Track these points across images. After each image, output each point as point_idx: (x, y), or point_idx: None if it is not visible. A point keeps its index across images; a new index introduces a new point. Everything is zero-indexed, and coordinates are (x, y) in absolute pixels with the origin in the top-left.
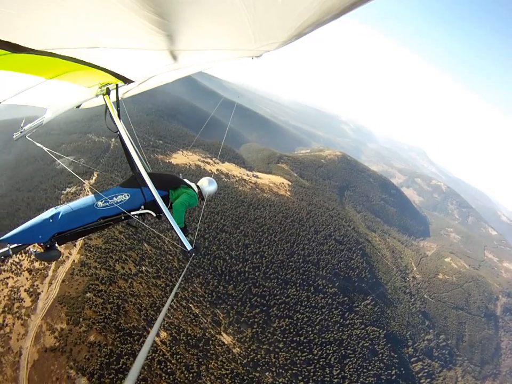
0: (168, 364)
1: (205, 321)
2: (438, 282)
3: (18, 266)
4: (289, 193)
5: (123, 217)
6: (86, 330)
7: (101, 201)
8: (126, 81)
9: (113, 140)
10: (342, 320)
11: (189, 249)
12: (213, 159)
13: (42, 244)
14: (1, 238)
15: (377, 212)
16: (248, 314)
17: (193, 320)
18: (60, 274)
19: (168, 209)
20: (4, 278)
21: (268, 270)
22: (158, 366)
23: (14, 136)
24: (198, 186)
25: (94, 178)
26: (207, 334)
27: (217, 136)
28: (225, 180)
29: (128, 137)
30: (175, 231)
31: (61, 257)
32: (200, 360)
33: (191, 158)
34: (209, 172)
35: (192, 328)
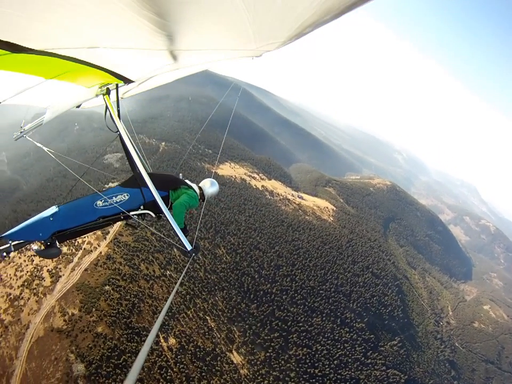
0: (169, 370)
1: (219, 336)
2: (472, 331)
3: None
4: (332, 219)
5: (122, 217)
6: (95, 321)
7: (101, 200)
8: (126, 81)
9: (163, 143)
10: (363, 358)
11: (188, 249)
12: (260, 174)
13: (43, 242)
14: (3, 235)
15: (420, 248)
16: (266, 337)
17: (207, 333)
18: (84, 263)
19: (168, 209)
20: (31, 255)
21: (296, 294)
22: (158, 371)
23: (14, 137)
24: (200, 188)
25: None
26: (217, 349)
27: (268, 152)
28: (269, 197)
29: (128, 137)
30: (175, 231)
31: (74, 250)
32: (203, 374)
33: (237, 170)
34: (254, 186)
35: (203, 341)
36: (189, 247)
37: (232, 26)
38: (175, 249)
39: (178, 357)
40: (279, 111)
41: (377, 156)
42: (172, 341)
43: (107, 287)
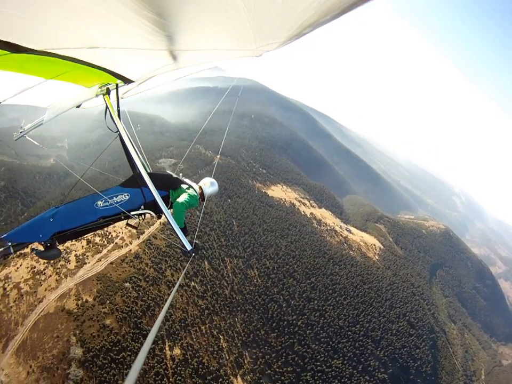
0: (164, 379)
1: (227, 357)
2: None
3: None
4: (377, 257)
5: (123, 217)
6: (106, 313)
7: (101, 201)
8: (126, 81)
9: (218, 156)
10: None
11: (188, 249)
12: (310, 201)
13: (43, 243)
14: (3, 236)
15: (464, 301)
16: (277, 369)
17: (215, 352)
18: (112, 256)
19: (168, 209)
20: None
21: (321, 331)
22: (154, 377)
23: (14, 137)
24: (200, 187)
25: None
26: (221, 370)
27: (323, 179)
28: (316, 225)
29: (128, 137)
30: (175, 231)
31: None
32: None
33: (288, 194)
34: (302, 213)
35: (209, 359)
36: (188, 247)
37: (232, 26)
38: (206, 262)
39: (179, 368)
40: (340, 140)
41: (435, 197)
42: (177, 351)
43: (127, 284)
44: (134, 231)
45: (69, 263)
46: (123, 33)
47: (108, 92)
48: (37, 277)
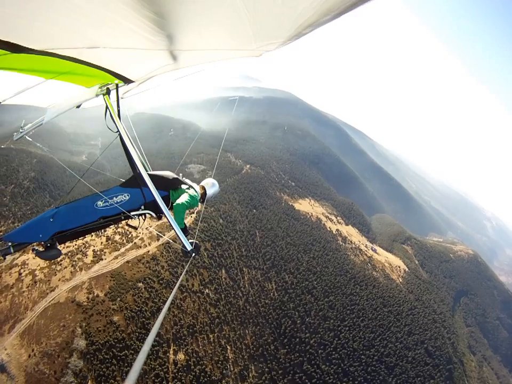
0: (164, 382)
1: (231, 369)
2: None
3: (101, 230)
4: (401, 280)
5: (123, 217)
6: (115, 310)
7: (101, 201)
8: (126, 81)
9: (248, 166)
10: None
11: (189, 249)
12: (338, 217)
13: (43, 243)
14: (3, 237)
15: (487, 332)
16: None
17: (220, 362)
18: (129, 255)
19: (169, 209)
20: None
21: (333, 352)
22: (153, 378)
23: (14, 137)
24: (202, 187)
25: None
26: (223, 381)
27: (353, 196)
28: (340, 243)
29: (129, 138)
30: (175, 231)
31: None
32: None
33: (316, 209)
34: (328, 229)
35: (212, 368)
36: (189, 247)
37: (232, 26)
38: (223, 271)
39: (180, 373)
40: (373, 156)
41: (465, 220)
42: (181, 356)
43: (140, 284)
44: (155, 232)
45: (86, 257)
46: (123, 33)
47: (108, 92)
48: (53, 266)
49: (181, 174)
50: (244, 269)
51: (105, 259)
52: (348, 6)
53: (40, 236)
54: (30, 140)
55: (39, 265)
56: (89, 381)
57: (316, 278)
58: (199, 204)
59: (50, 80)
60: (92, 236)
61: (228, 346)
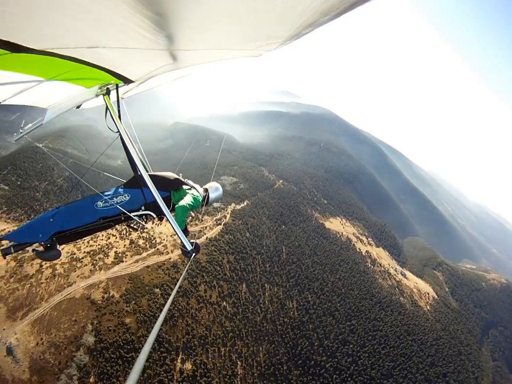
0: None
1: None
2: None
3: (126, 233)
4: (428, 308)
5: (123, 218)
6: (128, 312)
7: (101, 201)
8: (126, 81)
9: (281, 181)
10: None
11: (189, 249)
12: (368, 238)
13: (43, 243)
14: (4, 236)
15: None
16: None
17: (228, 376)
18: (150, 260)
19: (170, 210)
20: (109, 235)
21: (349, 379)
22: None
23: (14, 138)
24: (205, 190)
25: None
26: None
27: (386, 217)
28: (369, 265)
29: (129, 138)
30: (175, 232)
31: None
32: None
33: (347, 228)
34: (358, 250)
35: (219, 382)
36: (189, 247)
37: (232, 26)
38: (244, 285)
39: (184, 383)
40: (409, 177)
41: (500, 247)
42: (188, 366)
43: (157, 290)
44: (179, 240)
45: (107, 258)
46: (123, 32)
47: (108, 92)
48: (74, 263)
49: (181, 174)
50: (266, 285)
51: (126, 261)
52: (348, 6)
53: (40, 235)
54: (30, 140)
55: (60, 259)
56: (92, 376)
57: (340, 300)
58: (201, 206)
59: (50, 80)
60: (116, 237)
61: (239, 362)
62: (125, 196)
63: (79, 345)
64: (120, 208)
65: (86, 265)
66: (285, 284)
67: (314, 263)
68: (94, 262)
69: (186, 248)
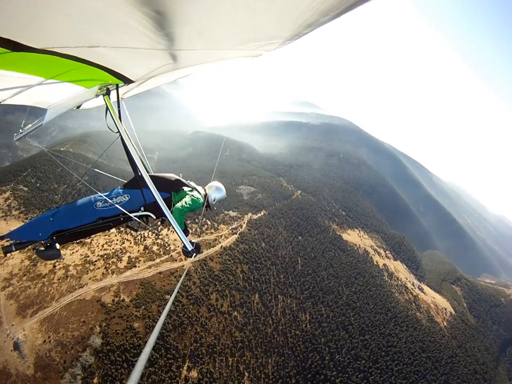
0: None
1: None
2: None
3: (141, 239)
4: (445, 324)
5: (122, 219)
6: (137, 316)
7: (101, 201)
8: (126, 81)
9: (299, 191)
10: None
11: (189, 249)
12: (386, 251)
13: (43, 242)
14: (5, 234)
15: None
16: None
17: None
18: (163, 267)
19: (170, 211)
20: (124, 240)
21: None
22: None
23: (14, 138)
24: (205, 191)
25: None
26: None
27: (405, 229)
28: (386, 279)
29: (129, 138)
30: (176, 232)
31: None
32: None
33: (364, 241)
34: (375, 263)
35: None
36: (189, 247)
37: (232, 26)
38: (256, 295)
39: None
40: (429, 189)
41: None
42: (194, 374)
43: (168, 296)
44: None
45: (120, 262)
46: (124, 31)
47: (108, 92)
48: (87, 265)
49: (180, 174)
50: (279, 296)
51: (139, 267)
52: (348, 6)
53: (40, 234)
54: (30, 140)
55: (74, 261)
56: (96, 377)
57: (354, 314)
58: (204, 207)
59: (50, 80)
60: (131, 243)
61: (246, 373)
62: (124, 197)
63: (86, 346)
64: (120, 208)
65: (98, 268)
66: (298, 296)
67: (330, 276)
68: (107, 265)
69: (187, 248)
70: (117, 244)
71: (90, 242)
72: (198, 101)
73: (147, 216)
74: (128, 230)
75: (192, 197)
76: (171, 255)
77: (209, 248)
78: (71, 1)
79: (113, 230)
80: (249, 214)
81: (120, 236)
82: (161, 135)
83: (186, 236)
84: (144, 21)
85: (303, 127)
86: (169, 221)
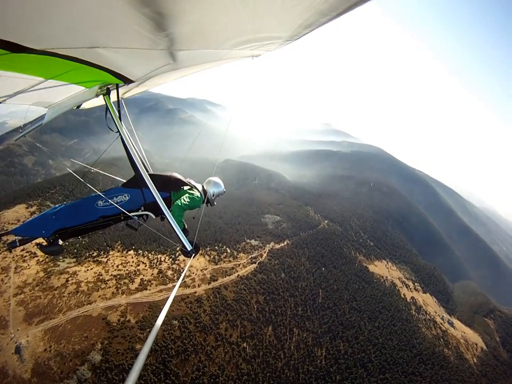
0: None
1: None
2: None
3: (157, 263)
4: (475, 360)
5: (122, 218)
6: (141, 339)
7: (102, 200)
8: (126, 81)
9: (326, 221)
10: None
11: (189, 249)
12: (415, 283)
13: (46, 239)
14: (9, 231)
15: None
16: None
17: None
18: (174, 292)
19: (170, 211)
20: (140, 262)
21: None
22: None
23: (14, 138)
24: (203, 186)
25: (284, 243)
26: None
27: (436, 260)
28: (414, 313)
29: (129, 138)
30: (175, 232)
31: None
32: None
33: (392, 272)
34: (402, 296)
35: None
36: (189, 247)
37: (232, 27)
38: (270, 328)
39: None
40: (462, 216)
41: None
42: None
43: (175, 322)
44: (208, 276)
45: (132, 283)
46: (124, 32)
47: (108, 92)
48: (99, 283)
49: (181, 174)
50: (294, 329)
51: (150, 290)
52: (348, 6)
53: (43, 231)
54: (30, 139)
55: (86, 278)
56: None
57: (375, 351)
58: (204, 204)
59: (50, 80)
60: (146, 265)
61: None
62: (124, 196)
63: (85, 360)
64: (119, 207)
65: (110, 287)
66: (316, 330)
67: (352, 309)
68: (118, 285)
69: (186, 248)
70: (132, 265)
71: (106, 262)
72: (230, 129)
73: (147, 215)
74: (145, 253)
75: (192, 195)
76: (184, 281)
77: (225, 277)
78: (70, 2)
79: (131, 252)
80: (272, 244)
81: (137, 258)
82: (193, 162)
83: (186, 236)
84: (144, 22)
85: (334, 156)
86: (169, 221)
